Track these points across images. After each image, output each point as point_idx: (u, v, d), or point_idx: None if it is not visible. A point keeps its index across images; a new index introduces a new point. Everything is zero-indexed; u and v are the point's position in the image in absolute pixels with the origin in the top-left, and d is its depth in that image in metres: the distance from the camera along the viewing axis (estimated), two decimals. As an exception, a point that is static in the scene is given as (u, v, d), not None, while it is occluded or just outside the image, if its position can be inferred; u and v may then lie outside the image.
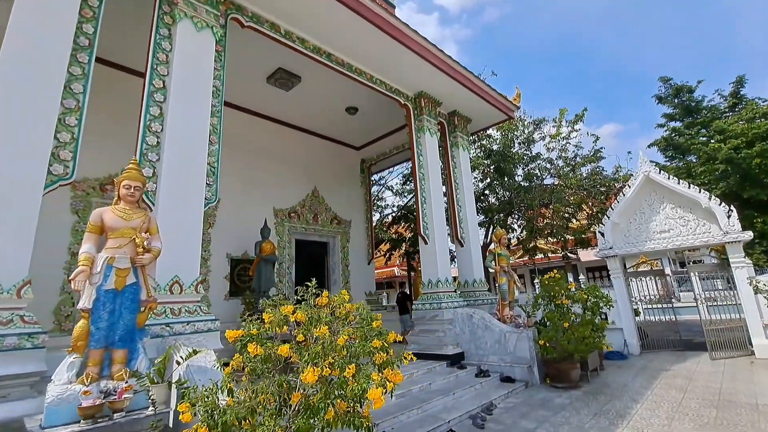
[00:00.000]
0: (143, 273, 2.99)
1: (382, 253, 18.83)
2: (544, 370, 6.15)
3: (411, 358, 2.72)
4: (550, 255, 16.07)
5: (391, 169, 18.51)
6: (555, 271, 6.81)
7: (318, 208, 10.60)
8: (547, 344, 5.85)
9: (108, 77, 6.91)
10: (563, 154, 14.03)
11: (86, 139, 5.63)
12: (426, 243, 7.97)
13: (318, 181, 10.81)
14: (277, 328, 2.52)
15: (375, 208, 19.32)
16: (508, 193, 13.51)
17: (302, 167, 10.48)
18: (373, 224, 12.04)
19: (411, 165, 8.40)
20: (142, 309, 3.02)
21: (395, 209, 18.04)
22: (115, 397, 2.53)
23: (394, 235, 15.88)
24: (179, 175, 4.37)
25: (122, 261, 2.88)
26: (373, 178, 19.60)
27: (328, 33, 6.48)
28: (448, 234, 9.49)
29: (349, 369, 2.17)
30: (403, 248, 14.75)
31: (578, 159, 13.90)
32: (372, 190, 19.31)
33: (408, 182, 16.02)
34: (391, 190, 19.43)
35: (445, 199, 10.14)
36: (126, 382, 2.65)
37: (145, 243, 2.97)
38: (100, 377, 2.71)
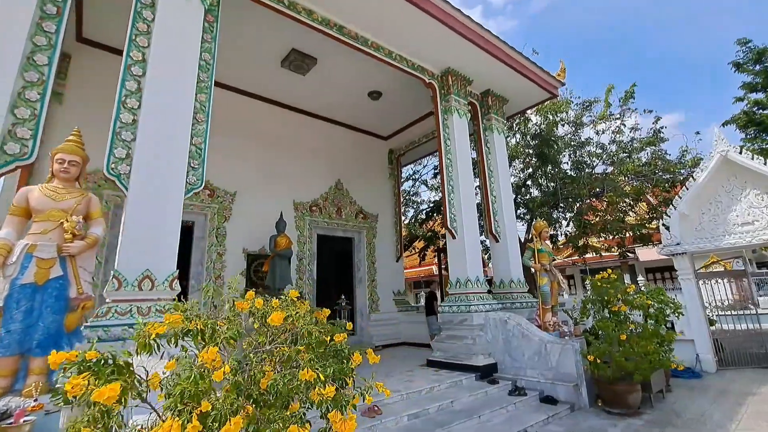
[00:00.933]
0: (73, 265, 2.46)
1: (417, 251, 17.99)
2: (594, 391, 5.07)
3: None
4: (603, 253, 14.37)
5: (423, 162, 17.69)
6: (609, 270, 5.66)
7: (342, 201, 10.00)
8: (599, 360, 4.77)
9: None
10: (617, 137, 12.38)
11: (97, 129, 4.60)
12: (454, 237, 7.07)
13: (342, 173, 10.21)
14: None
15: (410, 204, 18.55)
16: (552, 184, 12.13)
17: (325, 158, 9.93)
18: (404, 220, 11.25)
19: (437, 150, 7.52)
20: (74, 308, 2.48)
21: (431, 204, 17.12)
22: (11, 420, 1.98)
23: (428, 232, 14.97)
24: (155, 156, 3.87)
25: (45, 250, 2.37)
26: (407, 173, 18.98)
27: (338, 1, 5.79)
28: (481, 228, 8.50)
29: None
30: (436, 245, 13.80)
31: (635, 142, 12.20)
32: (406, 185, 18.80)
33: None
34: (426, 185, 18.54)
35: (478, 187, 9.16)
36: (35, 400, 2.10)
37: (75, 228, 2.42)
38: (8, 391, 2.19)
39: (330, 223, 9.59)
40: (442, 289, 9.77)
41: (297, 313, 1.98)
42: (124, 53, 4.01)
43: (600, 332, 5.41)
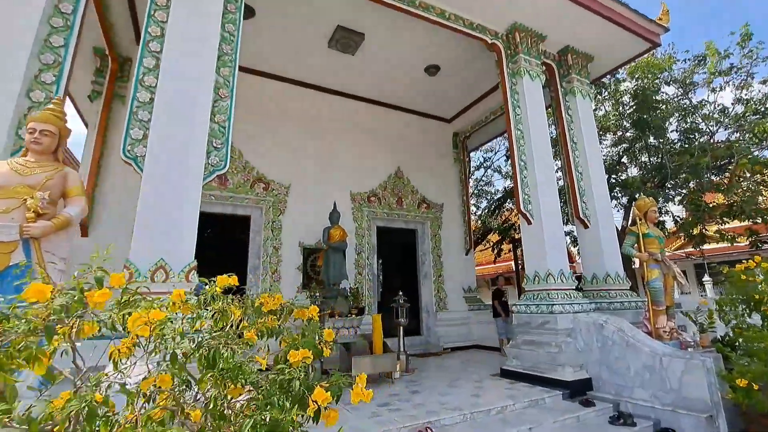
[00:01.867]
0: (37, 250, 2.06)
1: (491, 244, 16.56)
2: (740, 426, 3.63)
3: None
4: (723, 242, 11.53)
5: (495, 146, 16.21)
6: (758, 258, 4.07)
7: (402, 190, 9.27)
8: (750, 383, 3.35)
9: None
10: (743, 94, 9.76)
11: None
12: (529, 222, 5.91)
13: (402, 160, 9.49)
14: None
15: (482, 195, 17.16)
16: (655, 158, 10.00)
17: (382, 145, 9.30)
18: (476, 211, 10.15)
19: (506, 124, 6.39)
20: (43, 302, 2.09)
21: (506, 190, 15.59)
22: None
23: (502, 223, 13.54)
24: (170, 134, 3.53)
25: (5, 231, 2.00)
26: (477, 161, 17.58)
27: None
28: (564, 211, 7.12)
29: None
30: (511, 236, 12.33)
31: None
32: (477, 174, 17.43)
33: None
34: (500, 172, 16.99)
35: (560, 168, 7.75)
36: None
37: (39, 205, 2.03)
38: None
39: (390, 213, 8.92)
40: (520, 285, 8.51)
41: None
42: (143, 30, 3.75)
43: (742, 344, 3.93)
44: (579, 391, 4.57)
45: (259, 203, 7.48)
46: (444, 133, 10.43)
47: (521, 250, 10.90)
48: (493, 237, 16.88)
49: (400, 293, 6.19)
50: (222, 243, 7.20)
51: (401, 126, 9.69)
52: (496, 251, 13.27)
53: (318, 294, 5.94)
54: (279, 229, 7.55)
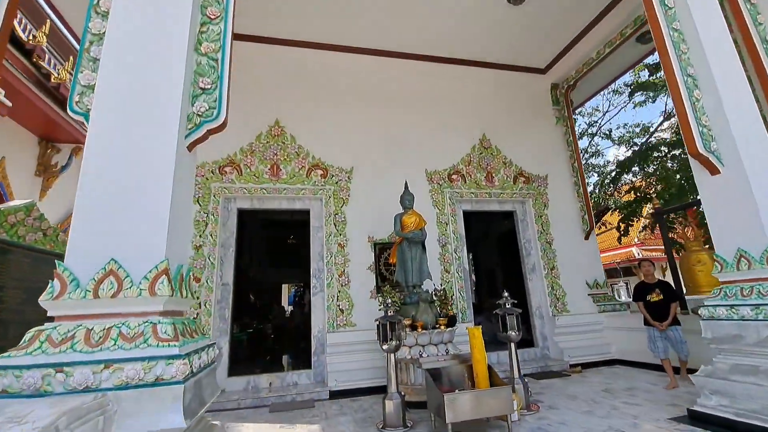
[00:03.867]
0: None
1: (610, 226, 13.50)
2: None
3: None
4: None
5: (604, 104, 13.20)
6: None
7: (491, 162, 7.36)
8: None
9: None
10: None
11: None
12: (714, 172, 3.65)
13: (487, 126, 7.59)
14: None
15: (588, 169, 14.17)
16: None
17: (461, 111, 7.52)
18: (585, 177, 7.74)
19: (650, 24, 4.18)
20: None
21: (621, 162, 12.45)
22: None
23: (633, 191, 10.58)
24: (130, 72, 2.32)
25: None
26: (580, 127, 14.55)
27: None
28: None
29: None
30: (639, 213, 9.46)
31: None
32: (580, 143, 14.40)
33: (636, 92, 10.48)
34: (610, 138, 13.82)
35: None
36: None
37: None
38: None
39: (479, 193, 7.08)
40: (676, 276, 5.95)
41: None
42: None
43: None
44: None
45: (317, 193, 6.28)
46: (539, 87, 8.22)
47: (671, 226, 8.00)
48: (610, 218, 13.81)
49: (506, 295, 4.37)
50: (278, 244, 6.20)
51: (483, 85, 7.79)
52: (622, 230, 10.32)
53: (392, 300, 4.42)
54: (343, 223, 6.26)
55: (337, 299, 5.88)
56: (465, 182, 7.08)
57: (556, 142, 7.99)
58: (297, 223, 6.29)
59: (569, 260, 7.14)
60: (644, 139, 11.91)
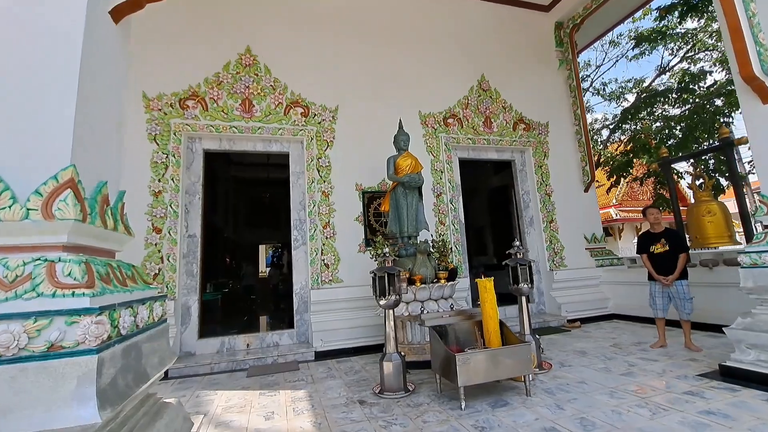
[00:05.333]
0: None
1: (597, 184, 13.23)
2: None
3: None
4: None
5: (598, 56, 12.61)
6: None
7: (490, 107, 6.67)
8: None
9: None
10: None
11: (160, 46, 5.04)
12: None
13: (486, 66, 6.82)
14: None
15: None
16: None
17: (459, 48, 6.70)
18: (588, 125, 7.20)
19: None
20: None
21: (613, 118, 12.02)
22: None
23: (629, 142, 10.18)
24: None
25: None
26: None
27: None
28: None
29: None
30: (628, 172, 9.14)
31: None
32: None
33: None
34: (602, 94, 13.34)
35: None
36: None
37: None
38: None
39: (476, 139, 6.43)
40: (682, 231, 5.58)
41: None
42: None
43: None
44: None
45: (297, 134, 5.47)
46: (542, 26, 7.43)
47: (656, 189, 7.59)
48: (599, 175, 13.57)
49: (517, 243, 3.85)
50: (254, 191, 5.43)
51: (483, 22, 6.94)
52: (613, 180, 9.92)
53: (386, 252, 3.76)
54: (327, 168, 5.52)
55: (322, 253, 5.26)
56: (462, 127, 6.40)
57: (558, 87, 7.34)
58: (274, 168, 5.50)
59: (568, 213, 6.73)
60: (640, 93, 11.43)
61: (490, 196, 9.05)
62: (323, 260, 5.24)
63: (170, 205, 4.81)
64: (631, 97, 12.90)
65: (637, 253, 4.69)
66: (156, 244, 4.69)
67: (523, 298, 3.76)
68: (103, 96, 1.63)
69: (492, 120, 6.63)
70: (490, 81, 6.79)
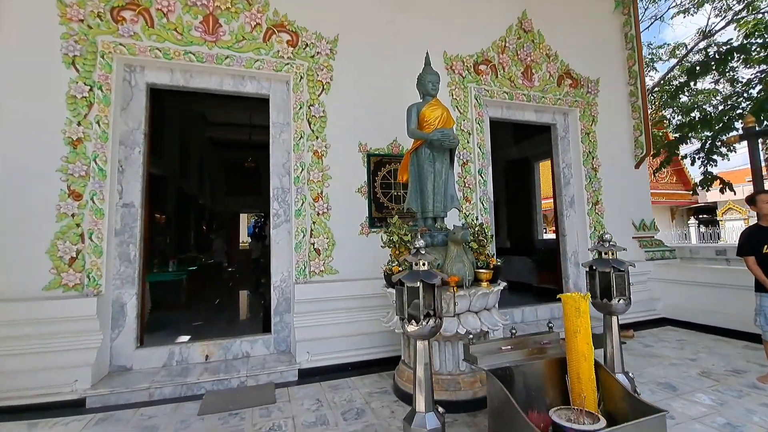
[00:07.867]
0: None
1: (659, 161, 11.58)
2: None
3: None
4: None
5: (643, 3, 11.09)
6: None
7: (532, 54, 5.23)
8: None
9: None
10: None
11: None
12: None
13: (529, 1, 5.32)
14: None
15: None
16: None
17: (497, -28, 5.16)
18: (646, 86, 5.80)
19: None
20: None
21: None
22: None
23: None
24: None
25: None
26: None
27: None
28: None
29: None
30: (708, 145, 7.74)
31: None
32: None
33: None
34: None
35: None
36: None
37: None
38: None
39: (513, 94, 5.01)
40: None
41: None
42: None
43: None
44: None
45: (281, 69, 3.97)
46: (599, -47, 5.89)
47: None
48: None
49: (608, 236, 2.56)
50: (220, 147, 3.99)
51: (528, -65, 5.36)
52: (662, 158, 8.44)
53: (420, 247, 2.33)
54: (322, 120, 4.08)
55: (311, 234, 3.91)
56: (496, 77, 4.97)
57: (612, 36, 5.91)
58: (250, 116, 4.01)
59: (615, 192, 5.49)
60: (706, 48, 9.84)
61: (507, 168, 7.73)
62: (313, 244, 3.90)
63: (95, 160, 3.34)
64: (660, 67, 11.49)
65: (738, 254, 3.45)
66: (73, 216, 3.26)
67: (614, 319, 2.52)
68: None
69: (533, 71, 5.20)
70: (533, 20, 5.30)
